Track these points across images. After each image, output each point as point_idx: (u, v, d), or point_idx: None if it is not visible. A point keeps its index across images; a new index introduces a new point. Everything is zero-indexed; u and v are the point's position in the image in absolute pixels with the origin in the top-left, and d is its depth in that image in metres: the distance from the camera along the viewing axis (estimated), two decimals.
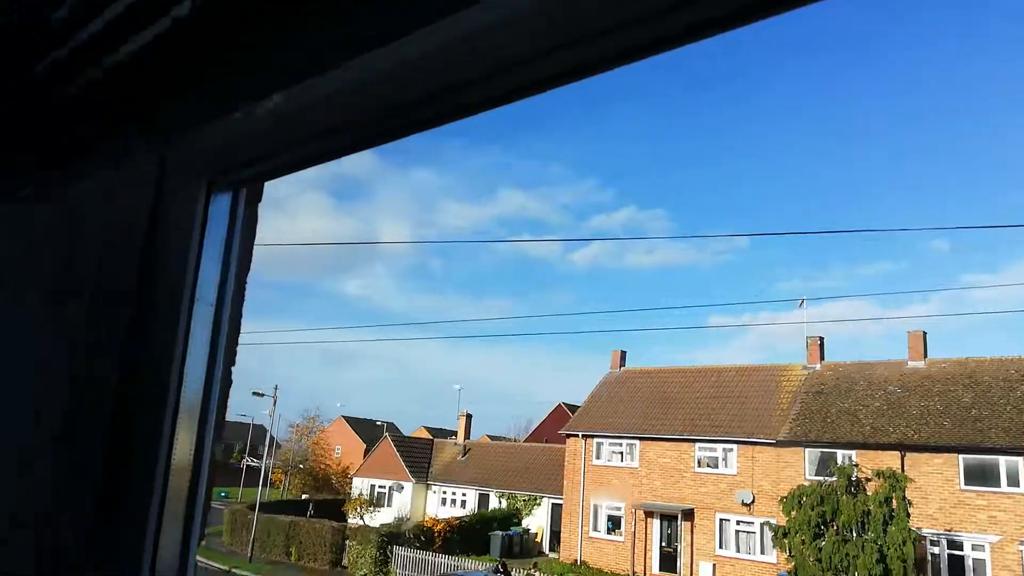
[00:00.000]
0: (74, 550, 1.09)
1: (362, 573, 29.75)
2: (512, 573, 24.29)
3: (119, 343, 1.12)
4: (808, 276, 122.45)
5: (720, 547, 28.11)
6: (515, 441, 59.54)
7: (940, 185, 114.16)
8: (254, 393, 37.84)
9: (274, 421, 39.68)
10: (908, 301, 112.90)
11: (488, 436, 63.48)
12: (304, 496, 48.58)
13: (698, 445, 29.61)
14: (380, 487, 43.10)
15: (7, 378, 1.28)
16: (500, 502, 38.37)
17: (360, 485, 43.90)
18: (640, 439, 31.30)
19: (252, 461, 58.76)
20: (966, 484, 23.11)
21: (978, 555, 22.45)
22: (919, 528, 22.29)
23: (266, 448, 41.54)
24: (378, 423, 67.92)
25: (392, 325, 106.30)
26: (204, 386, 1.11)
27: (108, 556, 1.05)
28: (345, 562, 31.12)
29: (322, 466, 53.36)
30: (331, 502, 44.40)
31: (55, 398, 1.18)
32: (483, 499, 39.45)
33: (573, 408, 48.39)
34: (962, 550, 22.75)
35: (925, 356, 27.78)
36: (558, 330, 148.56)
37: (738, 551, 27.72)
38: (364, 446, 61.63)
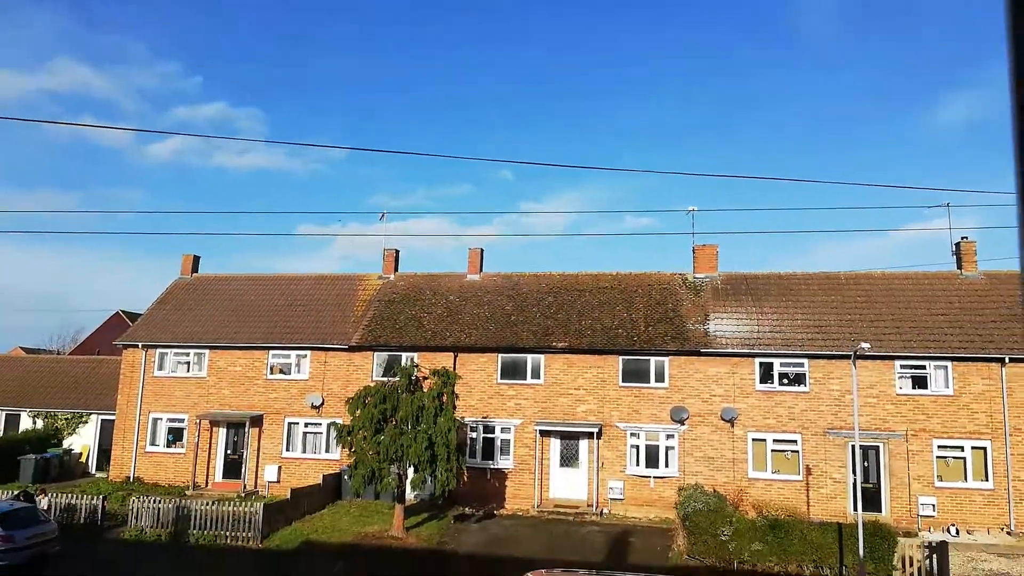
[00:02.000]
0: None
1: None
2: (36, 498, 21.27)
3: None
4: (395, 193, 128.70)
5: (287, 449, 28.53)
6: (58, 354, 51.59)
7: (506, 123, 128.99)
8: None
9: None
10: (482, 220, 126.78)
11: (22, 349, 53.81)
12: None
13: (272, 352, 29.22)
14: None
15: None
16: (35, 423, 33.06)
17: None
18: (210, 348, 29.67)
19: None
20: (501, 378, 27.16)
21: (505, 436, 26.78)
22: (463, 417, 25.60)
23: None
24: None
25: None
26: None
27: None
28: None
29: None
30: None
31: None
32: (12, 420, 33.52)
33: (135, 317, 43.69)
34: (494, 433, 26.91)
35: (481, 270, 31.49)
36: (125, 230, 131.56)
37: (304, 451, 28.48)
38: None
